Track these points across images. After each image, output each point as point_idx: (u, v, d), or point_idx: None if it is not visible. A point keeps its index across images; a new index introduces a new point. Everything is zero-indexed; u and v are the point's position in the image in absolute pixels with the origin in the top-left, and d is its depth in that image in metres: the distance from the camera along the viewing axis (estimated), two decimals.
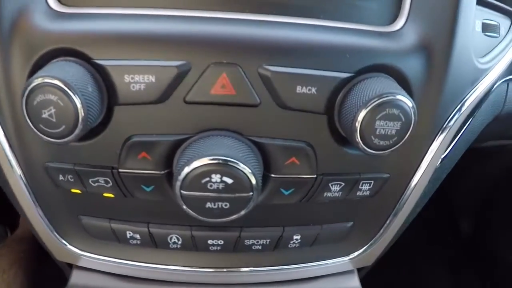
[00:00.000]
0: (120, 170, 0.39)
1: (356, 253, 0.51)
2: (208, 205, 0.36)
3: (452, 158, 0.48)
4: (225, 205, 0.36)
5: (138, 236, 0.46)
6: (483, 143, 0.85)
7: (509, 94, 0.53)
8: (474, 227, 1.22)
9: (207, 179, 0.35)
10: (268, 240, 0.46)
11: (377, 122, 0.33)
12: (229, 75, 0.35)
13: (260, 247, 0.47)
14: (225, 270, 0.50)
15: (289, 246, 0.47)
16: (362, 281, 0.60)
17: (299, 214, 0.45)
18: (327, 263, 0.51)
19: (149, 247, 0.48)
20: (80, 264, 0.53)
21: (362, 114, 0.33)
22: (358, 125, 0.34)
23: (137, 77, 0.35)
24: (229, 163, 0.34)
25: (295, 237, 0.46)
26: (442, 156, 0.45)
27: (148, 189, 0.41)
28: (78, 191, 0.42)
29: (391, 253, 1.18)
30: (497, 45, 0.45)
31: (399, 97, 0.33)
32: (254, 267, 0.50)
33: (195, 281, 0.51)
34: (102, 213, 0.46)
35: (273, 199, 0.42)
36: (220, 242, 0.47)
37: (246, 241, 0.46)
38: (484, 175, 1.21)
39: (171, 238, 0.47)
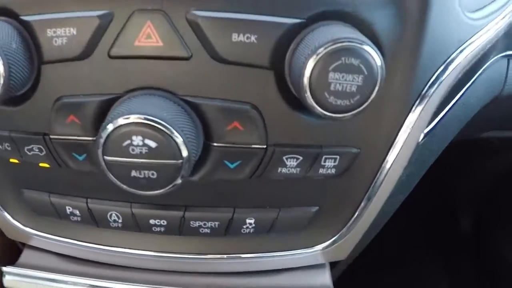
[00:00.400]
0: (51, 136, 0.36)
1: (325, 244, 0.45)
2: (134, 173, 0.32)
3: (440, 137, 0.41)
4: (152, 174, 0.31)
5: (77, 212, 0.42)
6: (485, 133, 0.78)
7: (510, 73, 0.46)
8: (474, 225, 1.17)
9: (128, 141, 0.30)
10: (216, 223, 0.40)
11: (331, 75, 0.26)
12: (154, 23, 0.30)
13: (208, 231, 0.41)
14: (174, 255, 0.44)
15: (242, 231, 0.41)
16: (342, 278, 0.54)
17: (252, 194, 0.39)
18: (291, 254, 0.45)
19: (90, 225, 0.43)
20: (31, 243, 0.49)
21: (311, 64, 0.26)
22: (307, 78, 0.27)
23: (59, 31, 0.31)
24: (150, 123, 0.29)
25: (248, 221, 0.40)
26: (426, 131, 0.38)
27: (80, 158, 0.37)
28: (17, 161, 0.39)
29: (388, 250, 1.14)
30: (494, 0, 0.37)
31: (357, 43, 0.26)
32: (203, 254, 0.43)
33: (140, 265, 0.45)
34: (42, 186, 0.42)
35: (217, 174, 0.35)
36: (163, 222, 0.41)
37: (192, 222, 0.40)
38: (486, 171, 1.16)
39: (111, 216, 0.42)
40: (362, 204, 0.41)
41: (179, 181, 0.32)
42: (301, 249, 0.44)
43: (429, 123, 0.38)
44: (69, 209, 0.42)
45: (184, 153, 0.30)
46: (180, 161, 0.30)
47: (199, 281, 0.45)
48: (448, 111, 0.39)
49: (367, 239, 0.47)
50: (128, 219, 0.41)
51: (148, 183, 0.32)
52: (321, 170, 0.37)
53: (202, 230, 0.41)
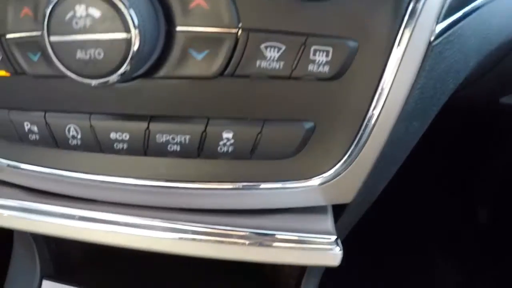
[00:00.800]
0: (7, 36, 0.33)
1: (323, 177, 0.37)
2: (79, 54, 0.28)
3: (457, 48, 0.35)
4: (98, 53, 0.28)
5: (36, 129, 0.38)
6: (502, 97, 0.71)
7: None
8: (492, 217, 1.09)
9: (71, 13, 0.27)
10: (187, 137, 0.34)
11: None
12: None
13: (178, 148, 0.34)
14: (137, 181, 0.38)
15: (219, 150, 0.34)
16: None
17: (228, 100, 0.32)
18: (281, 188, 0.37)
19: (49, 145, 0.38)
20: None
21: None
22: None
23: None
24: None
25: (225, 135, 0.34)
26: (437, 30, 0.31)
27: (35, 58, 0.34)
28: None
29: (401, 240, 1.06)
30: None
31: None
32: (172, 180, 0.37)
33: (105, 197, 0.40)
34: (1, 102, 0.39)
35: (183, 68, 0.30)
36: (125, 136, 0.35)
37: (158, 136, 0.34)
38: (507, 161, 1.08)
39: (69, 130, 0.36)
40: (365, 122, 0.34)
41: (128, 67, 0.28)
42: (293, 180, 0.37)
43: (441, 19, 0.31)
44: (27, 125, 0.38)
45: (133, 25, 0.26)
46: (128, 34, 0.26)
47: (164, 216, 0.38)
48: (464, 16, 0.33)
49: (373, 184, 0.40)
50: (87, 133, 0.35)
51: (95, 66, 0.28)
52: (310, 67, 0.30)
53: (171, 147, 0.34)
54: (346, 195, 0.38)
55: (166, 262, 0.63)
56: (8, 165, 0.42)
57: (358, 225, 0.50)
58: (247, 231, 0.35)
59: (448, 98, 0.42)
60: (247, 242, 0.35)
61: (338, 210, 0.42)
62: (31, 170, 0.41)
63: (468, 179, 1.12)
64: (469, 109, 0.85)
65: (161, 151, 0.35)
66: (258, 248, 0.36)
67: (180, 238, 0.36)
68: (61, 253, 0.59)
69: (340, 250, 0.37)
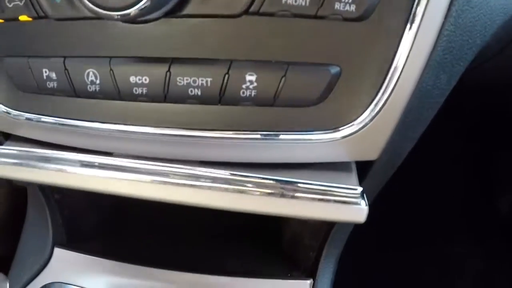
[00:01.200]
0: None
1: (347, 130, 0.35)
2: None
3: None
4: None
5: (54, 76, 0.37)
6: None
7: None
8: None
9: None
10: (209, 80, 0.33)
11: None
12: None
13: (199, 92, 0.33)
14: (154, 130, 0.36)
15: (241, 94, 0.33)
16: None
17: (253, 41, 0.31)
18: (302, 141, 0.35)
19: (66, 93, 0.38)
20: (13, 131, 0.44)
21: None
22: None
23: None
24: None
25: (248, 78, 0.32)
26: None
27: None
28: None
29: (422, 231, 1.03)
30: None
31: None
32: (192, 129, 0.36)
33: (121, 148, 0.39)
34: (21, 50, 0.39)
35: (207, 5, 0.30)
36: (145, 79, 0.34)
37: (179, 79, 0.33)
38: None
39: (88, 76, 0.36)
40: (393, 67, 0.33)
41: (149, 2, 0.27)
42: (315, 131, 0.35)
43: None
44: (45, 72, 0.37)
45: None
46: None
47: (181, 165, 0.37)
48: None
49: (400, 143, 0.38)
50: (106, 78, 0.35)
51: None
52: (337, 5, 0.29)
53: (192, 91, 0.33)
54: (372, 151, 0.37)
55: (179, 232, 0.62)
56: (26, 118, 0.41)
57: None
58: (268, 178, 0.34)
59: (475, 56, 0.40)
60: (268, 191, 0.34)
61: (362, 174, 0.41)
62: (48, 122, 0.41)
63: (488, 165, 1.09)
64: (488, 90, 0.83)
65: (182, 95, 0.34)
66: (279, 199, 0.34)
67: (196, 186, 0.34)
68: (73, 220, 0.59)
69: (366, 205, 0.35)
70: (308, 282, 0.52)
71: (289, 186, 0.34)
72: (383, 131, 0.36)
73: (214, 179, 0.35)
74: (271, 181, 0.34)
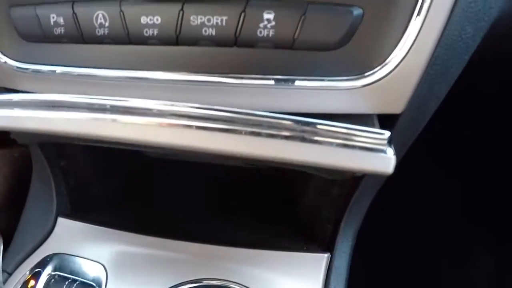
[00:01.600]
0: None
1: (370, 75, 0.32)
2: None
3: None
4: None
5: (61, 21, 0.36)
6: None
7: None
8: None
9: None
10: (224, 18, 0.31)
11: None
12: None
13: (213, 32, 0.31)
14: (166, 77, 0.35)
15: (258, 34, 0.31)
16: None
17: None
18: (323, 86, 0.33)
19: (73, 39, 0.36)
20: (20, 87, 0.42)
21: None
22: None
23: None
24: None
25: (266, 16, 0.31)
26: None
27: None
28: None
29: (433, 229, 1.00)
30: None
31: None
32: (205, 73, 0.34)
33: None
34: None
35: None
36: (157, 20, 0.32)
37: (192, 18, 0.31)
38: None
39: (97, 18, 0.34)
40: (417, 10, 0.31)
41: None
42: (335, 77, 0.33)
43: None
44: (53, 18, 0.36)
45: None
46: None
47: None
48: None
49: (424, 98, 0.36)
50: (116, 20, 0.33)
51: None
52: None
53: (206, 31, 0.31)
54: (396, 103, 0.34)
55: (190, 204, 0.60)
56: (32, 70, 0.40)
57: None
58: (287, 119, 0.31)
59: (500, 13, 0.38)
60: (287, 133, 0.31)
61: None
62: (54, 72, 0.39)
63: (501, 162, 1.06)
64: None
65: (195, 36, 0.32)
66: (298, 143, 0.32)
67: (208, 128, 0.32)
68: (78, 190, 0.57)
69: (394, 154, 0.32)
70: (326, 255, 0.49)
71: (309, 128, 0.31)
72: (408, 80, 0.33)
73: (228, 120, 0.32)
74: (290, 122, 0.31)
